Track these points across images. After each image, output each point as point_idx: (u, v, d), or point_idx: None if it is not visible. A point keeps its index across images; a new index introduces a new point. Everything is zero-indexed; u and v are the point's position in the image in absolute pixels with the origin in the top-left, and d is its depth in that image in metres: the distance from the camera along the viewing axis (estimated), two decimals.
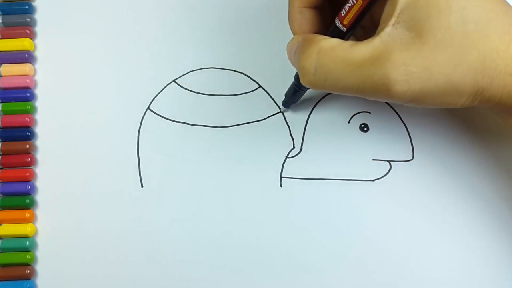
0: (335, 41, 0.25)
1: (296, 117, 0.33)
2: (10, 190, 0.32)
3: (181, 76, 0.33)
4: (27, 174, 0.32)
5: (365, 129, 0.33)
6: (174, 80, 0.33)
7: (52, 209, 0.32)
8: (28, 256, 0.31)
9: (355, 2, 0.24)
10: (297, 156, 0.32)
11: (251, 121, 0.33)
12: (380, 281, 0.31)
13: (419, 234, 0.31)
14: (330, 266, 0.31)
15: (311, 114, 0.33)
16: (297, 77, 0.29)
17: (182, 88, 0.33)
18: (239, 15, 0.34)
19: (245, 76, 0.33)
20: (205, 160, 0.32)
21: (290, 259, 0.31)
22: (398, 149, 0.32)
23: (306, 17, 0.27)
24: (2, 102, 0.33)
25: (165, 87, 0.33)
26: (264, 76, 0.33)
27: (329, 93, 0.33)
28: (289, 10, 0.28)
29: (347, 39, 0.26)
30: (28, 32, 0.34)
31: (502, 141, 0.32)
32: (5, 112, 0.33)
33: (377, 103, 0.32)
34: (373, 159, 0.32)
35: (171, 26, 0.34)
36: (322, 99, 0.33)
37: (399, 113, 0.33)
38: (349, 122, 0.33)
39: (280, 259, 0.31)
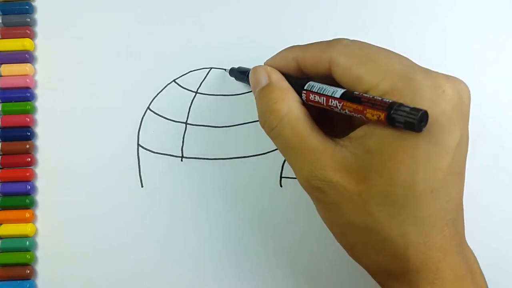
0: (303, 113, 0.25)
1: None
2: (10, 190, 0.32)
3: (181, 76, 0.33)
4: (27, 174, 0.32)
5: None
6: (174, 80, 0.33)
7: (52, 209, 0.32)
8: (28, 256, 0.31)
9: (324, 103, 0.24)
10: None
11: (251, 121, 0.33)
12: None
13: None
14: (330, 266, 0.31)
15: None
16: (248, 81, 0.29)
17: (182, 88, 0.33)
18: (239, 15, 0.34)
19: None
20: (205, 160, 0.32)
21: (290, 259, 0.31)
22: None
23: (294, 67, 0.26)
24: (2, 102, 0.33)
25: (165, 87, 0.33)
26: None
27: None
28: (286, 51, 0.27)
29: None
30: (28, 32, 0.34)
31: (501, 141, 0.32)
32: (5, 112, 0.33)
33: None
34: None
35: (171, 26, 0.34)
36: None
37: None
38: None
39: (280, 259, 0.31)
